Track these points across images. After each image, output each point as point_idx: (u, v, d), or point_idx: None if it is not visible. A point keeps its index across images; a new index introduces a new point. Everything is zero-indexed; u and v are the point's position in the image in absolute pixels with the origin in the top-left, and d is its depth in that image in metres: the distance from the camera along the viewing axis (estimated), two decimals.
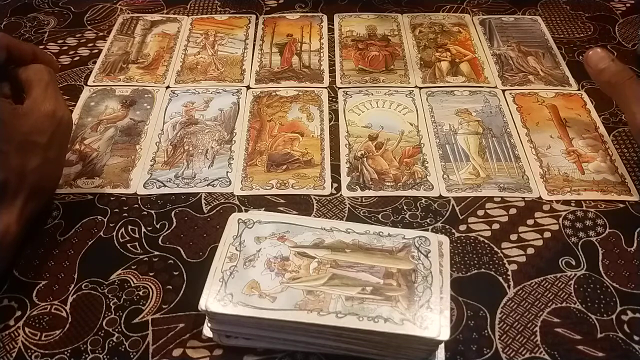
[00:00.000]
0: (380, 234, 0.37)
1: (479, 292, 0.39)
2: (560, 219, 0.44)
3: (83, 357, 0.35)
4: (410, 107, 0.54)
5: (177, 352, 0.36)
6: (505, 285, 0.39)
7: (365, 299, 0.33)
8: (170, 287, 0.39)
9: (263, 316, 0.32)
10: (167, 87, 0.56)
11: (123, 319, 0.37)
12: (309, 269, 0.34)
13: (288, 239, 0.36)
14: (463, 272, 0.40)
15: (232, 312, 0.32)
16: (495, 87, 0.56)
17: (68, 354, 0.36)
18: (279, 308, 0.32)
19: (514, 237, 0.42)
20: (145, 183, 0.47)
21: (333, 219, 0.44)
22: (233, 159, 0.49)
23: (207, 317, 0.35)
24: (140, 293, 0.39)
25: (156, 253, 0.41)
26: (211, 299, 0.33)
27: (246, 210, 0.44)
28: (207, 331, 0.36)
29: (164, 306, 0.38)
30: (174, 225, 0.43)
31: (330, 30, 0.64)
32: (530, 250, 0.42)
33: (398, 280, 0.34)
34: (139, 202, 0.45)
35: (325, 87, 0.56)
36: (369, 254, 0.35)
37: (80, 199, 0.46)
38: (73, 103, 0.54)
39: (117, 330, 0.37)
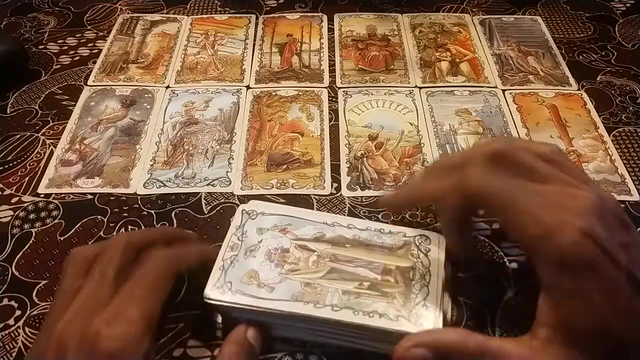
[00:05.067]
0: (382, 230, 0.37)
1: (479, 291, 0.39)
2: None
3: None
4: (410, 107, 0.54)
5: (177, 352, 0.36)
6: (506, 284, 0.39)
7: (361, 294, 0.33)
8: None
9: (260, 305, 0.32)
10: (167, 87, 0.56)
11: None
12: (308, 261, 0.35)
13: (290, 231, 0.36)
14: (463, 272, 0.40)
15: (229, 300, 0.32)
16: (495, 87, 0.56)
17: None
18: (276, 298, 0.32)
19: None
20: (145, 183, 0.47)
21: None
22: (233, 159, 0.49)
23: None
24: None
25: None
26: (210, 286, 0.33)
27: None
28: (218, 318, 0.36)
29: None
30: (174, 225, 0.43)
31: (330, 30, 0.64)
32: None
33: (396, 277, 0.34)
34: (139, 202, 0.45)
35: (325, 87, 0.56)
36: (369, 250, 0.35)
37: (80, 199, 0.46)
38: (73, 103, 0.54)
39: None
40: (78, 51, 0.61)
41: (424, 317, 0.32)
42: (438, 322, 0.32)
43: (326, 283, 0.33)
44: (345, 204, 0.45)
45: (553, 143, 0.32)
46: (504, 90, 0.56)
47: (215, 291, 0.33)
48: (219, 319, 0.36)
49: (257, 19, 0.66)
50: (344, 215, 0.44)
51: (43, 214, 0.44)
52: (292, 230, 0.36)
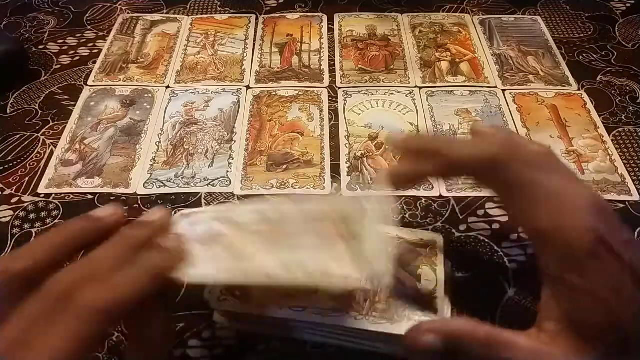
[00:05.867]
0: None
1: (479, 291, 0.39)
2: None
3: None
4: (410, 107, 0.54)
5: (177, 352, 0.36)
6: (506, 284, 0.39)
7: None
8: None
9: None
10: (167, 87, 0.56)
11: None
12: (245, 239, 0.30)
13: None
14: (463, 272, 0.40)
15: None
16: (495, 87, 0.56)
17: None
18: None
19: (514, 236, 0.42)
20: (145, 183, 0.47)
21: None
22: (233, 159, 0.49)
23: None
24: None
25: None
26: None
27: None
28: (216, 317, 0.36)
29: None
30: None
31: (330, 30, 0.64)
32: (531, 250, 0.42)
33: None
34: (139, 202, 0.45)
35: (325, 87, 0.56)
36: None
37: (80, 199, 0.46)
38: (73, 103, 0.54)
39: (117, 329, 0.37)
40: (78, 51, 0.61)
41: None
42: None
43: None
44: None
45: (547, 144, 0.32)
46: (504, 90, 0.56)
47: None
48: (219, 318, 0.36)
49: (257, 19, 0.66)
50: None
51: (43, 214, 0.44)
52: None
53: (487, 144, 0.32)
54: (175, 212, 0.34)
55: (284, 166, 0.48)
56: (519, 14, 0.67)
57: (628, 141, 0.50)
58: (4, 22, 0.65)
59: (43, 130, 0.52)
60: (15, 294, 0.25)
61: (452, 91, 0.56)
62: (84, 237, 0.28)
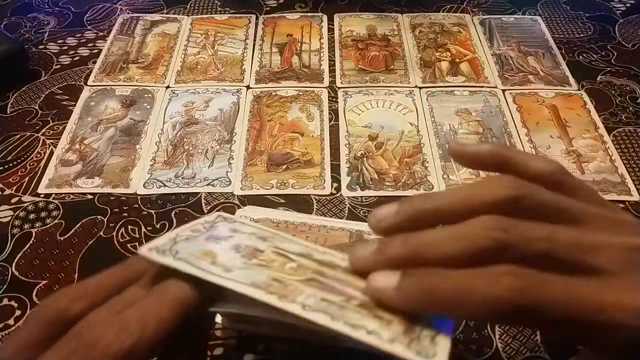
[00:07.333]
0: None
1: None
2: None
3: None
4: (410, 107, 0.54)
5: None
6: None
7: (347, 307, 0.24)
8: None
9: (207, 278, 0.24)
10: (167, 87, 0.56)
11: None
12: (285, 266, 0.27)
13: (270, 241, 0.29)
14: None
15: (168, 264, 0.25)
16: (495, 87, 0.56)
17: None
18: (231, 278, 0.25)
19: None
20: (145, 183, 0.47)
21: (333, 218, 0.44)
22: (233, 159, 0.49)
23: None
24: None
25: None
26: (149, 246, 0.26)
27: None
28: (217, 318, 0.35)
29: None
30: (174, 225, 0.43)
31: (330, 30, 0.64)
32: None
33: None
34: (139, 202, 0.45)
35: (325, 87, 0.56)
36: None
37: (80, 199, 0.46)
38: (73, 103, 0.54)
39: None
40: (78, 51, 0.61)
41: (429, 350, 0.23)
42: (440, 349, 0.23)
43: (302, 285, 0.25)
44: (345, 204, 0.45)
45: (553, 160, 0.26)
46: (504, 90, 0.56)
47: (153, 252, 0.25)
48: (219, 319, 0.36)
49: (257, 19, 0.66)
50: (344, 215, 0.44)
51: (43, 214, 0.44)
52: (274, 242, 0.29)
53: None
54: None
55: (284, 166, 0.48)
56: (519, 14, 0.67)
57: (628, 141, 0.50)
58: (4, 22, 0.65)
59: (43, 130, 0.52)
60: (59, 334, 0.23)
61: (452, 91, 0.56)
62: (128, 284, 0.25)
